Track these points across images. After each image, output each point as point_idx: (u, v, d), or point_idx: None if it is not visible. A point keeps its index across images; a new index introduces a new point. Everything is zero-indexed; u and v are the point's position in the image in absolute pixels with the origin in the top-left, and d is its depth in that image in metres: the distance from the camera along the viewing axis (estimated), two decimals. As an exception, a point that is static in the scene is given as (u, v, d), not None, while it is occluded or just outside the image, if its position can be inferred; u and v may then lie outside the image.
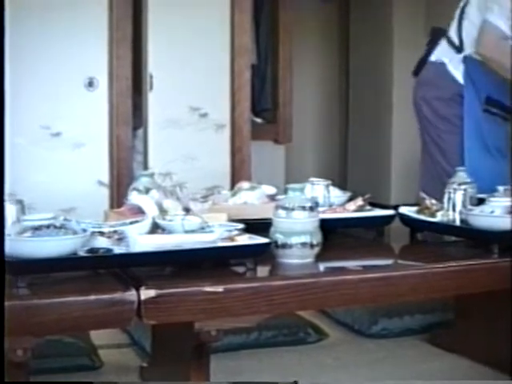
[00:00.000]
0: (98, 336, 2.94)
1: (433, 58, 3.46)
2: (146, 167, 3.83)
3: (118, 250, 1.99)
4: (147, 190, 2.38)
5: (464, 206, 2.42)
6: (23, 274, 1.85)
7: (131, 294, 1.84)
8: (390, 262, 2.54)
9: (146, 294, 1.85)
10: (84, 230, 1.99)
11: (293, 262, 2.13)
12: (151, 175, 2.55)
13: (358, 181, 5.67)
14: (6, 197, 1.99)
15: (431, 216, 2.49)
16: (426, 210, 2.54)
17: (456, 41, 3.39)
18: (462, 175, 2.71)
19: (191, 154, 3.95)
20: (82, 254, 1.94)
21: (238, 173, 3.98)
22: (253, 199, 2.54)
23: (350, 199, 2.63)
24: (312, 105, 5.91)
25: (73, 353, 2.81)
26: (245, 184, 2.64)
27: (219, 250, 2.05)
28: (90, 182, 3.81)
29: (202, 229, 2.08)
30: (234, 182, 3.66)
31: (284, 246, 2.12)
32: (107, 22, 3.77)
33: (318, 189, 2.56)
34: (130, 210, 2.27)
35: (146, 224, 2.09)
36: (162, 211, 2.17)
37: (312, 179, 2.60)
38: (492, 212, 2.31)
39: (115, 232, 2.04)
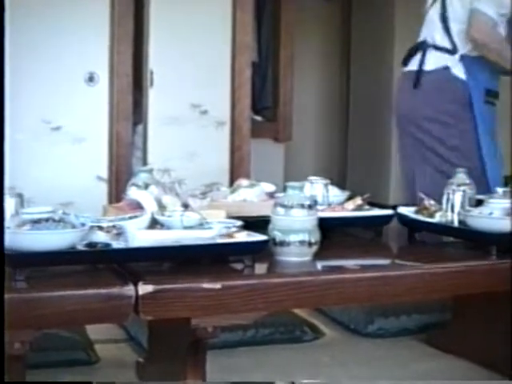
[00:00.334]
0: (94, 330, 2.93)
1: (428, 67, 3.47)
2: (145, 163, 3.83)
3: (117, 244, 1.99)
4: (146, 186, 2.38)
5: (463, 207, 2.42)
6: (22, 267, 1.85)
7: (129, 289, 1.84)
8: (387, 261, 2.54)
9: (144, 289, 1.85)
10: (83, 224, 1.99)
11: (291, 259, 2.14)
12: (150, 171, 2.55)
13: (357, 180, 5.66)
14: (6, 190, 1.99)
15: (430, 216, 2.50)
16: (424, 210, 2.54)
17: (448, 45, 3.42)
18: (461, 176, 2.71)
19: (191, 150, 3.94)
20: (80, 248, 1.94)
21: (238, 170, 3.97)
22: (252, 196, 2.55)
23: (349, 198, 2.63)
24: (312, 104, 5.90)
25: (69, 347, 2.80)
26: (244, 181, 2.64)
27: (217, 247, 2.05)
28: (89, 177, 3.81)
29: (201, 225, 2.08)
30: (233, 179, 3.66)
31: (282, 243, 2.13)
32: (109, 19, 3.77)
33: (317, 187, 2.56)
34: (128, 205, 2.28)
35: (145, 219, 2.08)
36: (161, 207, 2.17)
37: (311, 178, 2.61)
38: (491, 213, 2.32)
39: (114, 227, 2.04)
